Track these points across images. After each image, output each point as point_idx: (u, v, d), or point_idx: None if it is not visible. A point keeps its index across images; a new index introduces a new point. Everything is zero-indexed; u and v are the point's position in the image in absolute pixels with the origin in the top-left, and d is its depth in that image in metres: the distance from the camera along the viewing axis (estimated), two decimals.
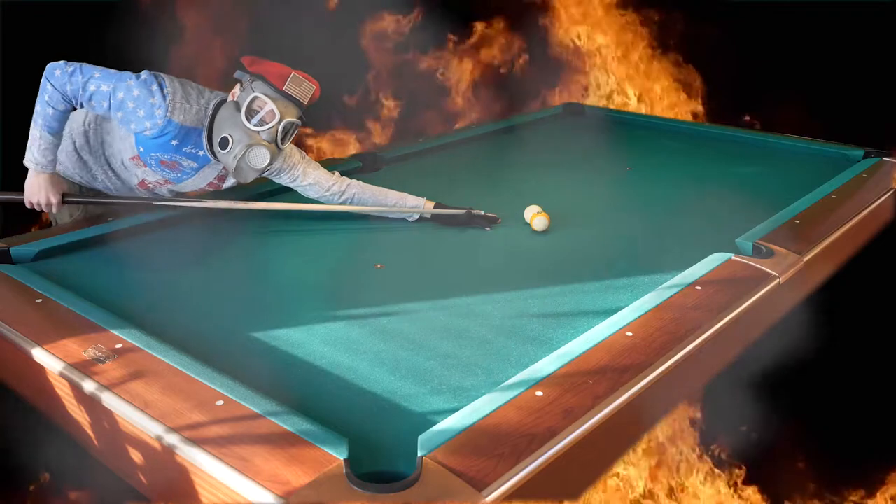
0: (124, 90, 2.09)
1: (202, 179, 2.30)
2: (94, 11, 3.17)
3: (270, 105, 2.12)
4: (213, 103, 2.18)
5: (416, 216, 2.45)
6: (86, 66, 2.12)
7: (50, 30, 3.09)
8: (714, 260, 2.00)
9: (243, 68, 2.19)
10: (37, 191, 2.17)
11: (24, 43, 2.93)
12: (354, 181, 2.44)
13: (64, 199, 2.22)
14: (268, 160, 2.15)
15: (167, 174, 2.25)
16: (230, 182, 2.34)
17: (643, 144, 3.48)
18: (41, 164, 2.14)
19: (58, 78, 2.10)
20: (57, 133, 2.16)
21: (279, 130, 2.15)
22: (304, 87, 2.16)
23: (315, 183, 2.38)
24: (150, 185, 2.31)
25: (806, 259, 2.07)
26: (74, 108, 2.17)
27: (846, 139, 3.30)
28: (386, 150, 3.18)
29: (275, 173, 2.37)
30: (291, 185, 2.40)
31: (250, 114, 2.13)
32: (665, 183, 2.87)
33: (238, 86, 2.19)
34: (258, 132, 2.13)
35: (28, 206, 2.21)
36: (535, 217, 2.35)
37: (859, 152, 3.10)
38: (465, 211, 2.41)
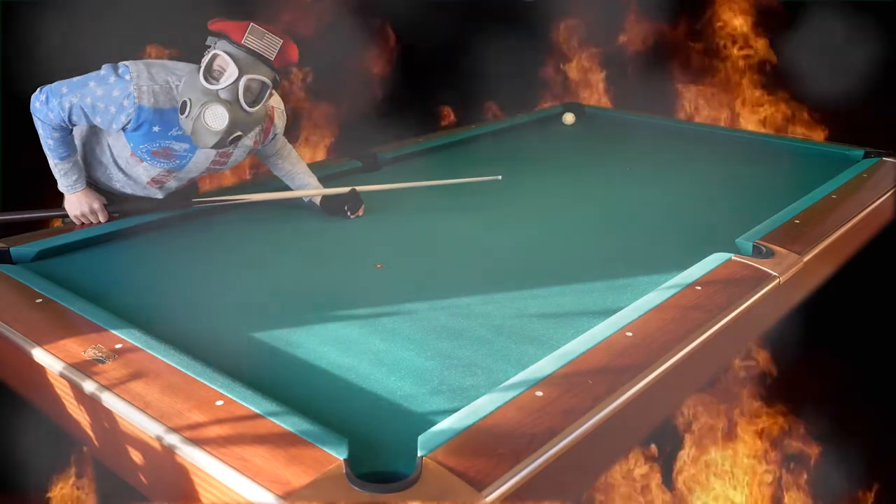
0: (90, 94, 2.03)
1: (204, 159, 2.22)
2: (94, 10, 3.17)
3: (227, 59, 1.97)
4: (184, 78, 2.05)
5: (308, 199, 2.48)
6: (54, 85, 2.07)
7: (49, 29, 3.09)
8: (714, 260, 2.00)
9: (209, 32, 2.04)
10: (77, 206, 2.23)
11: (23, 43, 2.94)
12: (289, 153, 2.44)
13: (106, 207, 2.26)
14: (226, 119, 1.97)
15: (165, 164, 2.18)
16: (237, 157, 2.27)
17: (643, 144, 3.48)
18: (69, 185, 2.21)
19: (39, 110, 2.07)
20: (69, 156, 2.17)
21: (240, 88, 1.98)
22: (266, 41, 1.98)
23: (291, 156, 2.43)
24: (157, 183, 2.28)
25: (806, 259, 2.06)
26: (71, 129, 2.15)
27: (846, 139, 3.30)
28: (386, 150, 3.18)
29: (266, 155, 2.36)
30: (278, 163, 2.40)
31: (209, 73, 1.99)
32: (665, 183, 2.86)
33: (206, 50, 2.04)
34: (215, 90, 1.98)
35: (77, 222, 2.25)
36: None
37: (859, 152, 3.10)
38: (349, 189, 2.42)
